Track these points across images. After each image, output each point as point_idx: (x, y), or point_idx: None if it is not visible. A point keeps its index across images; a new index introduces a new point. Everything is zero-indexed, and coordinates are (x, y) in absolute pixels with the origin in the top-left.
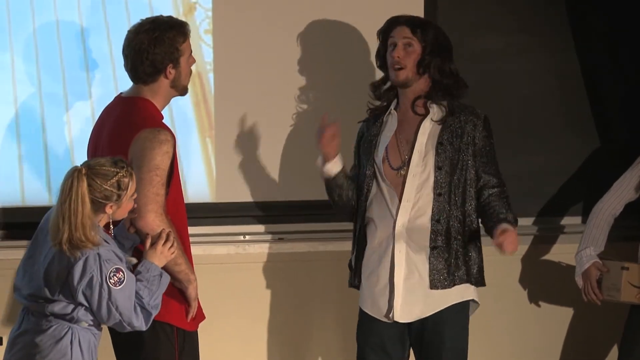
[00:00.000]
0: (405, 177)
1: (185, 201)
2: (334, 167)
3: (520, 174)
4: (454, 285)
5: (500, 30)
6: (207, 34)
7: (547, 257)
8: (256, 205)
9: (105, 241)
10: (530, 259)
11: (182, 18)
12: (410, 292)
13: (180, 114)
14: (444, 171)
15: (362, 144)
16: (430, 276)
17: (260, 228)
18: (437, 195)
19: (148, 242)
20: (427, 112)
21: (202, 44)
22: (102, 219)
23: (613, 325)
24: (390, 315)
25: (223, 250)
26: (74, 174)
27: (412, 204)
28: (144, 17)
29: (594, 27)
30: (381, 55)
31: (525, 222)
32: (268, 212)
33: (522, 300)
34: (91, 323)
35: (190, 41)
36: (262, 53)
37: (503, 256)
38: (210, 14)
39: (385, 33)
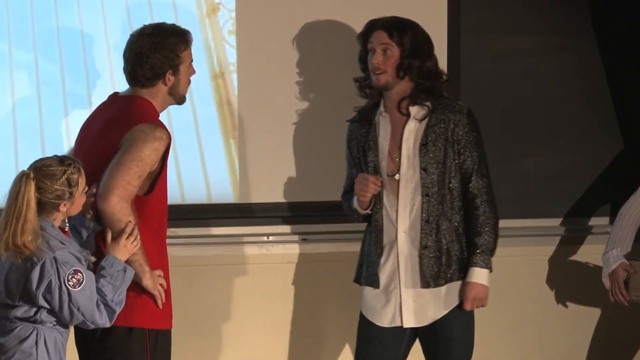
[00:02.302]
0: (399, 182)
1: (208, 202)
2: (366, 209)
3: (547, 174)
4: (446, 283)
5: (525, 31)
6: (231, 34)
7: (574, 257)
8: (280, 206)
9: (62, 242)
10: (558, 260)
11: (205, 19)
12: (418, 298)
13: (204, 115)
14: (429, 172)
15: (357, 145)
16: (421, 276)
17: (284, 229)
18: (425, 196)
19: (109, 236)
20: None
21: (225, 45)
22: (57, 218)
23: None
24: (398, 321)
25: (247, 251)
26: (22, 179)
27: (409, 209)
28: (167, 19)
29: (620, 28)
30: (363, 58)
31: (552, 222)
32: (291, 213)
33: (549, 300)
34: (55, 323)
35: (212, 43)
36: (285, 54)
37: (530, 257)
38: (233, 14)
39: (364, 37)
